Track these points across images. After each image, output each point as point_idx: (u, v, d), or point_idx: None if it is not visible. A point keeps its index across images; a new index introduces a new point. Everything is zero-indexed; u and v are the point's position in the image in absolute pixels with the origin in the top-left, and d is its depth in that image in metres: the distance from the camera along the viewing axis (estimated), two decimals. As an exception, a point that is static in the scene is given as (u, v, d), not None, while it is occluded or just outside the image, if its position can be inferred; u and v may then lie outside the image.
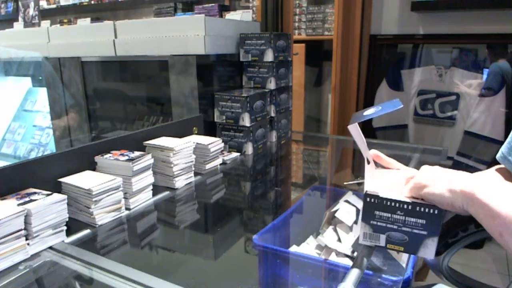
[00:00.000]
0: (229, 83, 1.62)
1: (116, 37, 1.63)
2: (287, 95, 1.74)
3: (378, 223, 0.58)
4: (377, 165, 0.67)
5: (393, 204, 0.57)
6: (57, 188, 0.91)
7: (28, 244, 0.77)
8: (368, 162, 0.62)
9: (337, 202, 0.88)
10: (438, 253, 0.78)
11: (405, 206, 0.56)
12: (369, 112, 0.60)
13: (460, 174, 0.58)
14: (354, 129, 0.59)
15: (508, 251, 0.49)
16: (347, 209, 0.86)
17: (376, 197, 0.57)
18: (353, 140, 0.61)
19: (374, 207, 0.58)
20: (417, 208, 0.55)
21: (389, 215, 0.57)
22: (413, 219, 0.56)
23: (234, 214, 1.11)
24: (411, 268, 0.70)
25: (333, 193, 1.12)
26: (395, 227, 0.57)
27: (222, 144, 1.33)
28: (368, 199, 0.58)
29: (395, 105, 0.59)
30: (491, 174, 0.60)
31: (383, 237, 0.58)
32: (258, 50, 1.56)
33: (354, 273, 0.56)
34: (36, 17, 2.24)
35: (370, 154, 0.64)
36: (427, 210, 0.55)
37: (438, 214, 0.54)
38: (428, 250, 0.56)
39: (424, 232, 0.56)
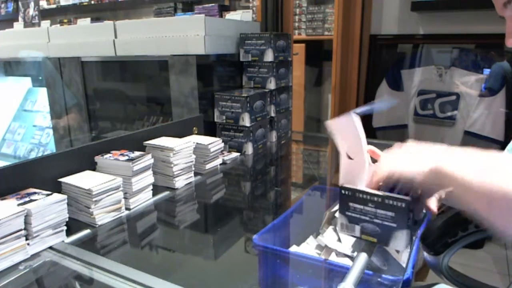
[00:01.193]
0: (229, 83, 1.62)
1: (116, 37, 1.63)
2: (287, 95, 1.74)
3: (353, 215, 0.61)
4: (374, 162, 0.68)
5: (364, 196, 0.60)
6: (57, 188, 0.91)
7: (28, 244, 0.77)
8: (350, 158, 0.65)
9: (337, 202, 0.88)
10: (437, 252, 0.79)
11: (375, 199, 0.59)
12: (361, 109, 0.64)
13: (427, 150, 0.58)
14: (349, 122, 0.61)
15: (487, 225, 0.49)
16: None
17: (349, 189, 0.61)
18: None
19: (348, 199, 0.62)
20: (386, 201, 0.58)
21: (362, 207, 0.60)
22: (383, 212, 0.58)
23: (234, 214, 1.11)
24: (411, 268, 0.70)
25: (333, 193, 1.12)
26: (367, 218, 0.60)
27: (222, 144, 1.33)
28: (342, 191, 0.62)
29: (387, 104, 0.63)
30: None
31: (357, 228, 0.62)
32: (258, 50, 1.56)
33: (354, 273, 0.56)
34: (36, 17, 2.24)
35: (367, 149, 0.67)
36: (395, 203, 0.57)
37: (405, 207, 0.56)
38: (399, 242, 0.58)
39: (394, 225, 0.58)
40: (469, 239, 0.73)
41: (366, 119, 2.33)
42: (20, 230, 0.75)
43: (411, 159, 0.58)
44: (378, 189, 0.60)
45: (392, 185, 0.59)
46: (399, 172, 0.57)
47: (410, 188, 0.58)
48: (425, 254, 0.85)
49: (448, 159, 0.53)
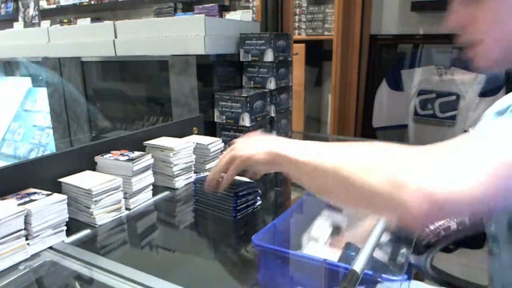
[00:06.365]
0: (229, 83, 1.62)
1: (116, 37, 1.63)
2: (287, 95, 1.74)
3: None
4: None
5: None
6: (57, 188, 0.91)
7: (28, 244, 0.77)
8: None
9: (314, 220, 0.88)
10: (419, 253, 0.80)
11: None
12: None
13: (274, 139, 0.72)
14: None
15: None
16: (322, 226, 0.85)
17: None
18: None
19: None
20: None
21: None
22: None
23: (234, 214, 1.10)
24: (410, 268, 0.70)
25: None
26: None
27: (222, 144, 1.33)
28: None
29: None
30: None
31: None
32: (258, 50, 1.56)
33: (364, 257, 0.59)
34: (36, 17, 2.24)
35: None
36: None
37: None
38: None
39: None
40: (449, 239, 0.73)
41: (366, 119, 2.33)
42: (20, 230, 0.75)
43: (260, 144, 0.70)
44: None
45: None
46: (248, 155, 0.71)
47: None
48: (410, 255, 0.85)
49: (287, 145, 0.65)
